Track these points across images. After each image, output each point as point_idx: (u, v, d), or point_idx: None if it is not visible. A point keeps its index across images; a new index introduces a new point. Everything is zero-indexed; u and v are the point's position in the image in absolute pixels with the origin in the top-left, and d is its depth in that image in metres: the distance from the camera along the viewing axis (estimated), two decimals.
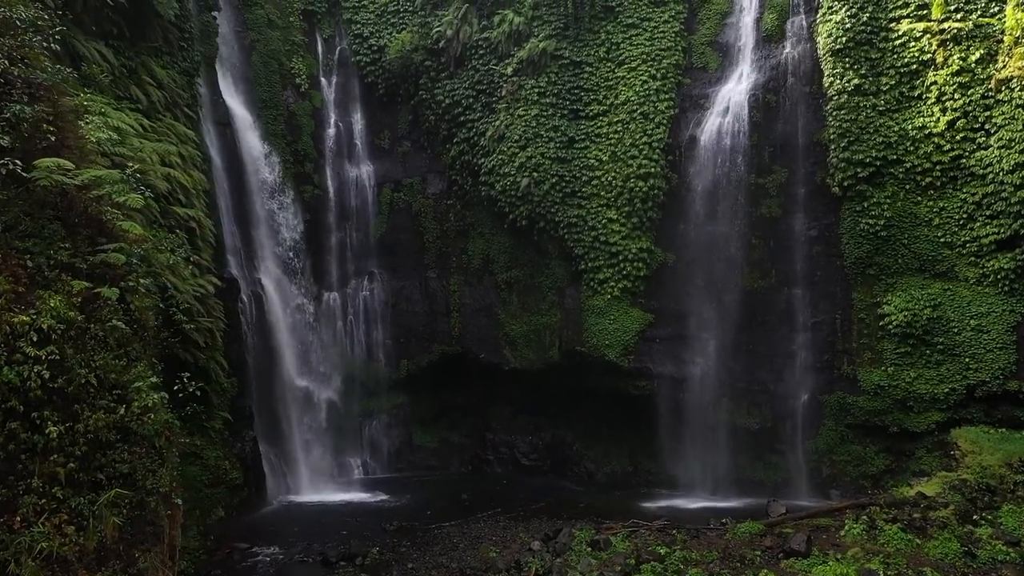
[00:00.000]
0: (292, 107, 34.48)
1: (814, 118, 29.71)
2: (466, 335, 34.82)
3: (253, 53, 33.42)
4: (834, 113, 28.79)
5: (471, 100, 34.10)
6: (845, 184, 28.61)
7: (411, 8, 35.78)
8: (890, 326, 27.86)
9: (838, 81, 28.76)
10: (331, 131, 35.97)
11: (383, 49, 35.70)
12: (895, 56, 28.17)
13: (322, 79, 36.18)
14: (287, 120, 34.07)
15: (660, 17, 32.30)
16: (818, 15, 29.69)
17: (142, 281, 13.04)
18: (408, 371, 35.42)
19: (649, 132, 31.28)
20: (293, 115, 34.49)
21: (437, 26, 34.65)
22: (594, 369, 32.26)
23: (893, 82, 28.15)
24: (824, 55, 29.21)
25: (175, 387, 14.12)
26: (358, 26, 36.15)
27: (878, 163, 28.12)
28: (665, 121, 31.30)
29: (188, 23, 27.49)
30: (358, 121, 36.60)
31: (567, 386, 33.71)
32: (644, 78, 31.73)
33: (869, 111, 28.28)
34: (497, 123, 33.20)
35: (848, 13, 28.69)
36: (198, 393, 14.47)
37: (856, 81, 28.39)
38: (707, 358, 30.81)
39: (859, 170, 28.31)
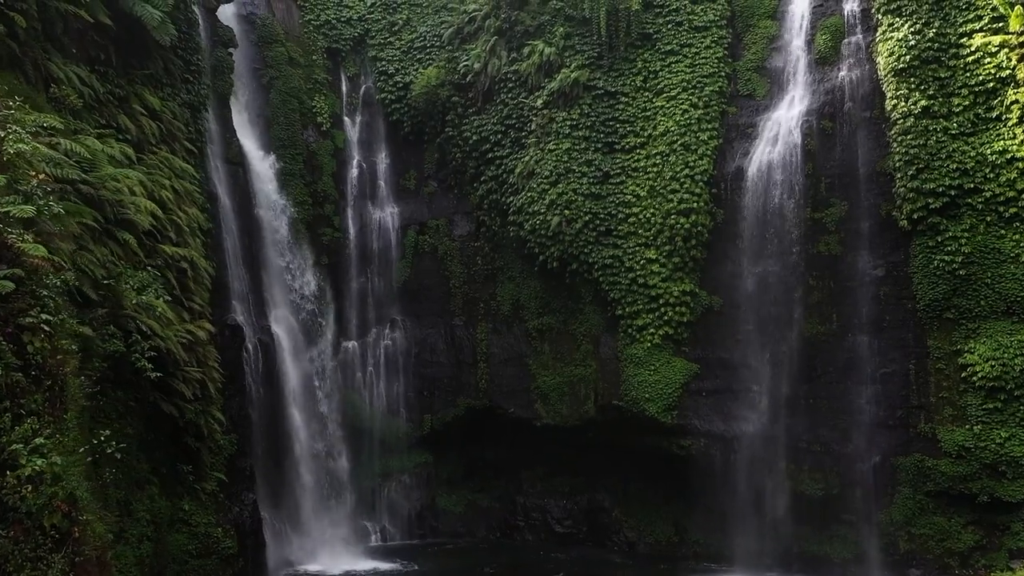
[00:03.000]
0: (312, 146, 32.85)
1: (876, 145, 26.78)
2: (494, 387, 32.12)
3: (271, 91, 32.01)
4: (900, 139, 25.83)
5: (500, 136, 32.04)
6: (915, 217, 25.42)
7: (438, 44, 34.27)
8: (974, 378, 24.27)
9: (903, 103, 25.85)
10: (354, 171, 34.22)
11: (408, 86, 34.10)
12: (968, 74, 25.17)
13: (345, 118, 34.63)
14: (307, 160, 32.40)
15: (701, 43, 29.97)
16: (877, 33, 27.00)
17: (47, 317, 10.67)
18: (431, 427, 32.77)
19: (691, 164, 28.66)
20: (313, 155, 32.83)
21: (464, 60, 32.93)
22: (633, 426, 29.24)
23: (967, 103, 25.10)
24: (886, 76, 26.40)
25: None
26: (383, 63, 34.69)
27: (952, 192, 24.91)
28: (708, 152, 28.70)
29: (196, 56, 26.06)
30: (382, 161, 34.83)
31: (604, 444, 30.74)
32: (685, 107, 29.27)
33: (940, 135, 25.22)
34: (527, 159, 31.00)
35: (911, 29, 25.90)
36: (118, 456, 11.92)
37: (924, 103, 25.44)
38: (761, 414, 27.60)
39: (931, 201, 25.11)
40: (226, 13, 30.97)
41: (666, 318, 28.56)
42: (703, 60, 29.73)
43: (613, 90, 30.46)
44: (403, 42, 34.82)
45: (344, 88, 34.93)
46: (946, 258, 25.00)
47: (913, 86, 25.71)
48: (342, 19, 34.79)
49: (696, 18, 30.15)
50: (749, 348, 27.97)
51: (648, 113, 29.96)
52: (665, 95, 29.79)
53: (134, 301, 16.84)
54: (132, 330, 17.55)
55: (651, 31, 30.47)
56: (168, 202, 21.34)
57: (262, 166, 30.37)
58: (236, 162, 29.07)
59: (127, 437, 18.46)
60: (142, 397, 19.33)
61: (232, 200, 28.20)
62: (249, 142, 30.42)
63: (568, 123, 30.47)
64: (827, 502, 26.92)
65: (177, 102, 24.18)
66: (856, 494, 26.51)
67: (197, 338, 21.34)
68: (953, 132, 25.16)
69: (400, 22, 35.05)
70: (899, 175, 25.80)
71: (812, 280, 27.39)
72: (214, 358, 22.63)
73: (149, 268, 17.77)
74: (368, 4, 35.03)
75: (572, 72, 30.64)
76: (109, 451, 11.97)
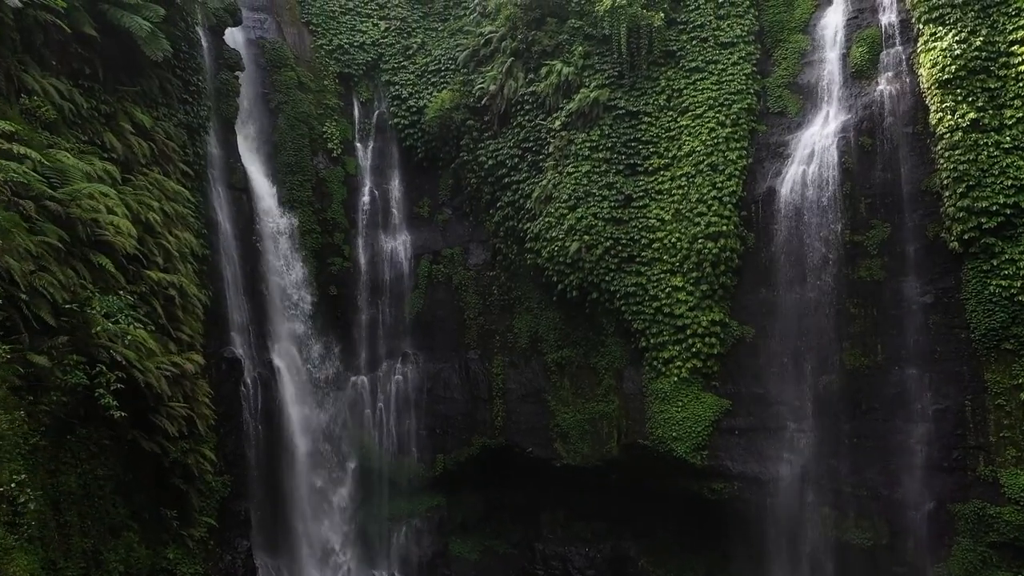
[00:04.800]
0: (322, 173, 31.59)
1: (921, 162, 24.84)
2: (511, 425, 30.19)
3: (279, 116, 30.90)
4: (947, 154, 23.88)
5: (516, 159, 30.56)
6: (966, 238, 23.32)
7: (453, 67, 33.09)
8: None
9: (949, 117, 23.94)
10: (365, 198, 32.85)
11: (422, 110, 32.87)
12: (1020, 84, 23.32)
13: (357, 144, 33.39)
14: (315, 187, 31.11)
15: (728, 59, 28.41)
16: (918, 44, 25.26)
17: None
18: (445, 467, 30.84)
19: (719, 185, 26.88)
20: (323, 181, 31.56)
21: (480, 83, 31.65)
22: (660, 467, 27.18)
23: (1020, 114, 23.21)
24: (929, 88, 24.57)
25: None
26: (397, 87, 33.52)
27: (1008, 211, 22.86)
28: (737, 172, 26.95)
29: (196, 76, 25.01)
30: (395, 187, 33.45)
31: (629, 487, 28.77)
32: (711, 125, 27.61)
33: (991, 150, 23.24)
34: (544, 182, 29.44)
35: (956, 38, 24.11)
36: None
37: (972, 115, 23.51)
38: (800, 455, 25.45)
39: (983, 220, 23.04)
40: (235, 37, 30.13)
41: (694, 350, 26.57)
42: (730, 77, 28.16)
43: (635, 110, 28.93)
44: (417, 66, 33.70)
45: (356, 114, 33.75)
46: (1003, 283, 22.80)
47: (960, 98, 23.84)
48: (355, 44, 33.77)
49: (722, 34, 28.67)
50: (785, 382, 25.86)
51: (672, 133, 28.35)
52: (690, 113, 28.17)
53: (105, 328, 15.27)
54: (105, 361, 16.04)
55: (674, 48, 29.02)
56: (156, 225, 19.99)
57: (268, 193, 29.13)
58: (240, 188, 27.87)
59: (98, 479, 16.90)
60: (119, 435, 17.78)
61: (234, 227, 26.92)
62: (255, 168, 29.24)
63: (587, 145, 28.92)
64: (875, 553, 24.64)
65: (173, 122, 23.03)
66: (908, 544, 24.23)
67: (184, 371, 19.80)
68: (1006, 146, 23.17)
69: (415, 46, 33.99)
70: (947, 193, 23.78)
71: (853, 308, 25.27)
72: (204, 392, 21.08)
73: (122, 293, 16.17)
74: (382, 28, 34.02)
75: (592, 92, 29.17)
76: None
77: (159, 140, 21.81)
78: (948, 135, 23.92)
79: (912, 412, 24.17)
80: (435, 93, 32.83)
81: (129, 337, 15.54)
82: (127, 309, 15.76)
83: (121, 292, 15.95)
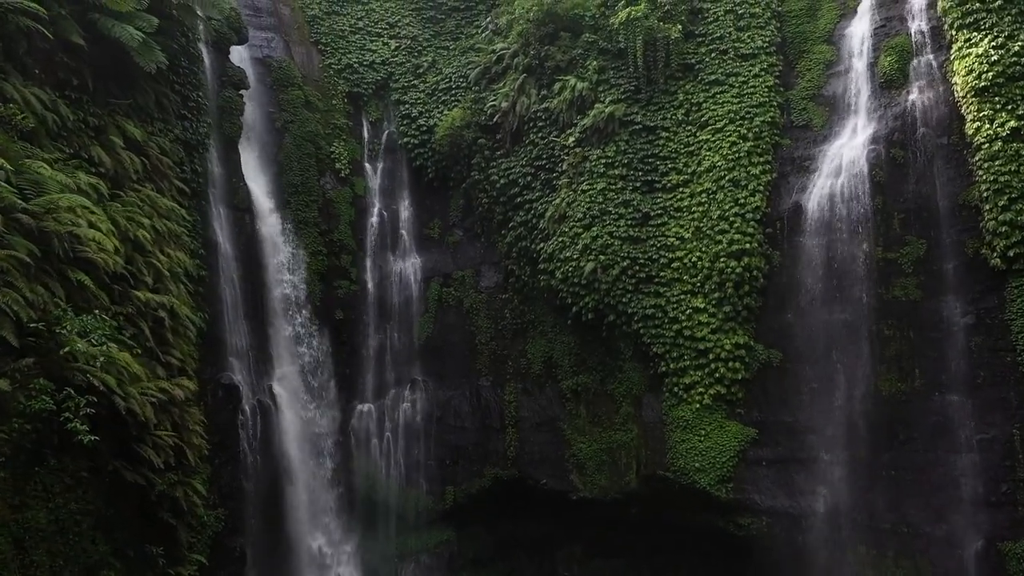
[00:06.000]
0: (329, 194, 30.62)
1: (957, 174, 23.42)
2: (524, 455, 28.75)
3: (285, 135, 30.07)
4: (986, 165, 22.47)
5: (529, 178, 29.46)
6: (1010, 254, 21.80)
7: (464, 84, 32.23)
8: None
9: (987, 126, 22.55)
10: (374, 220, 31.83)
11: (432, 129, 31.97)
12: None
13: (366, 164, 32.47)
14: (322, 208, 30.11)
15: (749, 71, 27.28)
16: (951, 51, 24.00)
17: None
18: (455, 500, 29.35)
19: (741, 201, 25.58)
20: (330, 202, 30.57)
21: (492, 100, 30.70)
22: (683, 500, 25.61)
23: None
24: (965, 97, 23.23)
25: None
26: (407, 106, 32.68)
27: None
28: (760, 187, 25.66)
29: (196, 92, 24.22)
30: (405, 208, 32.42)
31: (650, 521, 27.20)
32: (732, 139, 26.39)
33: None
34: (558, 201, 28.28)
35: (993, 44, 22.84)
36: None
37: (1013, 124, 22.16)
38: (833, 488, 23.76)
39: None
40: (241, 55, 29.47)
41: (717, 375, 25.05)
42: (752, 89, 27.01)
43: (652, 125, 27.81)
44: (428, 84, 32.88)
45: (366, 134, 32.89)
46: None
47: (999, 106, 22.47)
48: (364, 63, 33.03)
49: (743, 46, 27.59)
50: (816, 409, 24.23)
51: (691, 148, 27.16)
52: (710, 128, 26.98)
53: (75, 350, 14.13)
54: (80, 385, 14.89)
55: (693, 61, 27.96)
56: (146, 242, 18.98)
57: (272, 213, 28.18)
58: (242, 208, 26.96)
59: (73, 514, 15.67)
60: (98, 465, 16.58)
61: (235, 248, 25.95)
62: (259, 188, 28.34)
63: (603, 161, 27.77)
64: None
65: (169, 138, 22.16)
66: None
67: (173, 397, 18.62)
68: None
69: (425, 64, 33.22)
70: (987, 207, 22.28)
71: (887, 330, 23.68)
72: (196, 420, 19.90)
73: (97, 312, 15.03)
74: (392, 47, 33.29)
75: (607, 107, 28.10)
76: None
77: (153, 155, 20.89)
78: (987, 145, 22.49)
79: (955, 442, 22.40)
80: (445, 112, 31.94)
81: (101, 359, 14.34)
82: (105, 329, 14.60)
83: (97, 311, 14.81)
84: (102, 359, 14.29)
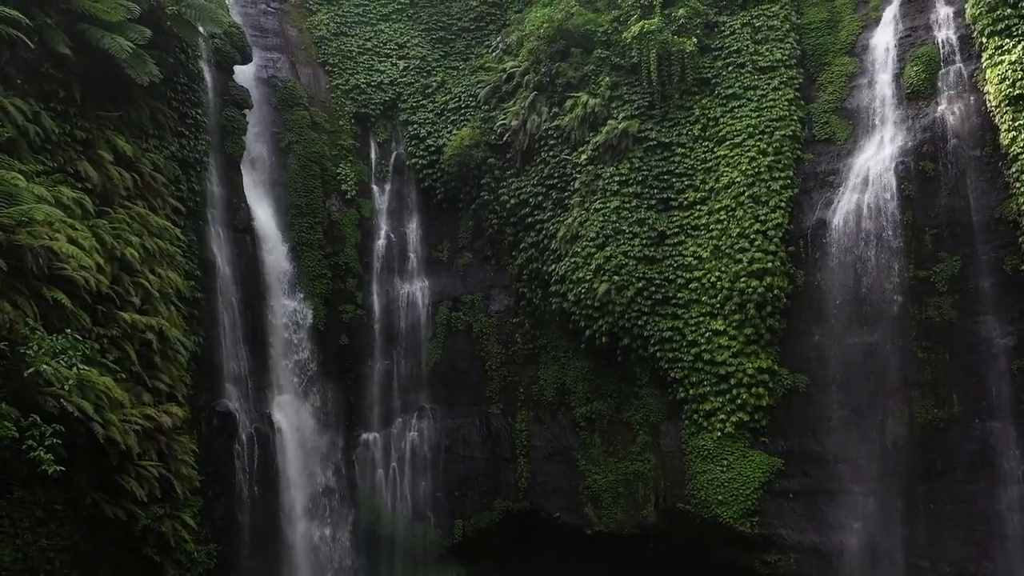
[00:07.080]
0: (335, 216, 29.76)
1: (992, 187, 22.22)
2: (536, 487, 27.38)
3: (290, 155, 29.30)
4: (1022, 178, 21.05)
5: (540, 198, 28.45)
6: None
7: (473, 104, 31.38)
8: None
9: (1023, 136, 21.20)
10: (381, 242, 30.88)
11: (441, 149, 31.08)
12: None
13: (374, 186, 31.63)
14: (327, 230, 29.23)
15: (768, 84, 26.27)
16: (982, 59, 22.92)
17: None
18: (464, 534, 27.97)
19: (762, 218, 24.41)
20: (335, 224, 29.70)
21: (501, 119, 29.84)
22: (704, 535, 24.18)
23: None
24: (998, 106, 22.12)
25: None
26: (415, 127, 31.85)
27: None
28: (782, 203, 24.50)
29: (195, 110, 23.54)
30: (413, 231, 31.45)
31: (670, 558, 25.74)
32: (752, 154, 25.31)
33: None
34: (570, 220, 27.23)
35: None
36: None
37: None
38: (867, 522, 22.31)
39: None
40: (246, 75, 28.87)
41: (739, 401, 23.68)
42: (771, 103, 25.97)
43: (667, 141, 26.81)
44: (436, 104, 32.08)
45: (373, 155, 32.09)
46: None
47: None
48: (372, 83, 32.33)
49: (761, 59, 26.62)
50: (846, 438, 22.82)
51: (709, 164, 26.09)
52: (728, 143, 25.91)
53: (41, 372, 13.11)
54: (52, 411, 13.86)
55: (709, 75, 27.02)
56: (134, 261, 18.06)
57: (274, 235, 27.31)
58: (243, 229, 26.11)
59: (44, 550, 14.57)
60: (74, 498, 15.51)
61: (235, 270, 25.04)
62: (261, 209, 27.51)
63: (616, 179, 26.73)
64: None
65: (164, 155, 21.37)
66: None
67: (159, 424, 17.58)
68: None
69: (434, 84, 32.46)
70: None
71: (922, 352, 22.29)
72: (186, 450, 18.81)
73: (69, 332, 14.00)
74: (400, 68, 32.59)
75: (620, 123, 27.13)
76: None
77: (146, 172, 20.09)
78: (1023, 156, 21.25)
79: (999, 473, 20.88)
80: (455, 132, 31.09)
81: (70, 382, 13.28)
82: (79, 351, 13.58)
83: (69, 331, 13.80)
84: (71, 382, 13.22)
